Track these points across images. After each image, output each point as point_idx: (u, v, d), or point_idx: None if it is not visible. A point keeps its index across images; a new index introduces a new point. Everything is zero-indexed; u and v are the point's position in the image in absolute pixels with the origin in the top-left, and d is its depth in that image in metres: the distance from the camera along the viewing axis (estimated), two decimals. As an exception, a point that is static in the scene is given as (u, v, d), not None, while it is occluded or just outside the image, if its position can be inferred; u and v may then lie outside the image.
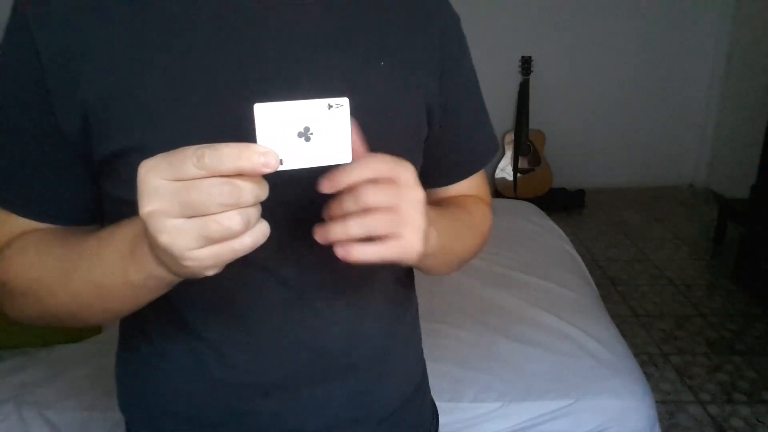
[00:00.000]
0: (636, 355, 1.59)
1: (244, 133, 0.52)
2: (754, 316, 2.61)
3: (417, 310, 0.75)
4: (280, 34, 0.54)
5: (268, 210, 0.56)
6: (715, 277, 2.99)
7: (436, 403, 0.83)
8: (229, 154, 0.37)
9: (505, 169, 3.96)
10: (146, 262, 0.45)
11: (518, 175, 3.91)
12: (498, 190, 3.93)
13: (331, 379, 0.62)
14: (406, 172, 0.47)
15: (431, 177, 0.69)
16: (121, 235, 0.48)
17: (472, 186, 0.74)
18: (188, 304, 0.59)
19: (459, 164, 0.71)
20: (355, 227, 0.45)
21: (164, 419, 0.64)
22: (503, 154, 3.98)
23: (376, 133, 0.58)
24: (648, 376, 1.55)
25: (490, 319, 1.66)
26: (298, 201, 0.56)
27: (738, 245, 2.90)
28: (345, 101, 0.40)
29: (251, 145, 0.38)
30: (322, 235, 0.46)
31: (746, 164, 3.47)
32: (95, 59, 0.50)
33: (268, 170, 0.38)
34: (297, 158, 0.40)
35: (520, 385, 1.40)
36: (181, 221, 0.38)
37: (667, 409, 2.02)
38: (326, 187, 0.45)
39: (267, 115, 0.39)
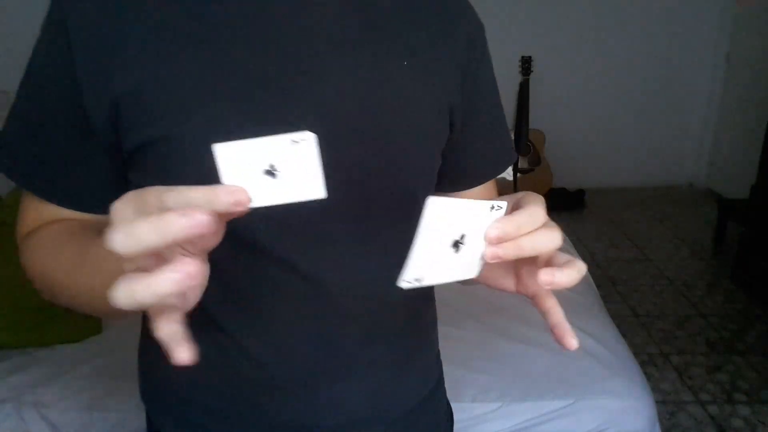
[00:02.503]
0: (636, 355, 1.59)
1: (268, 126, 0.52)
2: (754, 316, 2.61)
3: (435, 310, 0.75)
4: (303, 30, 0.55)
5: (290, 205, 0.56)
6: (715, 277, 2.99)
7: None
8: (197, 198, 0.35)
9: (505, 169, 3.96)
10: None
11: (518, 175, 3.90)
12: (498, 190, 3.91)
13: (349, 375, 0.62)
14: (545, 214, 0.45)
15: (447, 181, 0.70)
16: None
17: (484, 193, 0.75)
18: (209, 296, 0.59)
19: (475, 170, 0.72)
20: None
21: (185, 409, 0.65)
22: (503, 153, 3.97)
23: (395, 131, 0.58)
24: (648, 376, 1.54)
25: (490, 319, 1.66)
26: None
27: (738, 245, 2.90)
28: (309, 135, 0.38)
29: (218, 187, 0.35)
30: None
31: (746, 164, 3.47)
32: (128, 52, 0.51)
33: (241, 208, 0.36)
34: (266, 195, 0.39)
35: (520, 385, 1.40)
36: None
37: (667, 409, 2.02)
38: (495, 241, 0.42)
39: (228, 154, 0.37)
